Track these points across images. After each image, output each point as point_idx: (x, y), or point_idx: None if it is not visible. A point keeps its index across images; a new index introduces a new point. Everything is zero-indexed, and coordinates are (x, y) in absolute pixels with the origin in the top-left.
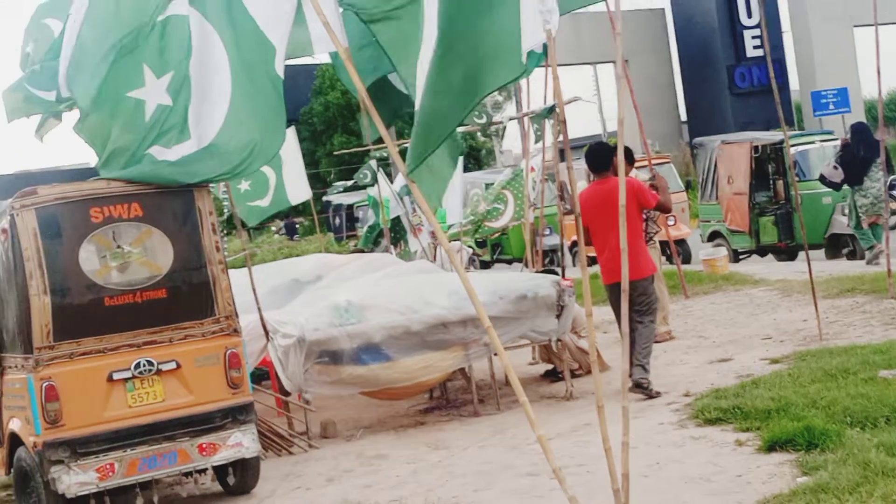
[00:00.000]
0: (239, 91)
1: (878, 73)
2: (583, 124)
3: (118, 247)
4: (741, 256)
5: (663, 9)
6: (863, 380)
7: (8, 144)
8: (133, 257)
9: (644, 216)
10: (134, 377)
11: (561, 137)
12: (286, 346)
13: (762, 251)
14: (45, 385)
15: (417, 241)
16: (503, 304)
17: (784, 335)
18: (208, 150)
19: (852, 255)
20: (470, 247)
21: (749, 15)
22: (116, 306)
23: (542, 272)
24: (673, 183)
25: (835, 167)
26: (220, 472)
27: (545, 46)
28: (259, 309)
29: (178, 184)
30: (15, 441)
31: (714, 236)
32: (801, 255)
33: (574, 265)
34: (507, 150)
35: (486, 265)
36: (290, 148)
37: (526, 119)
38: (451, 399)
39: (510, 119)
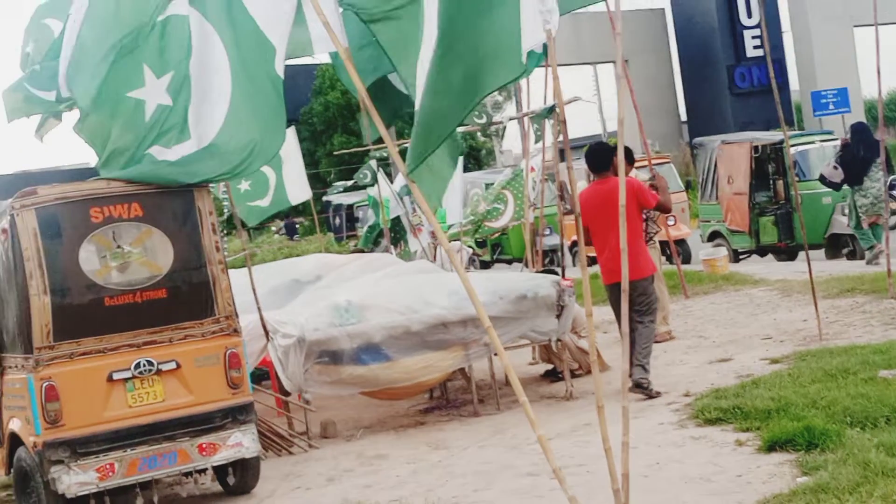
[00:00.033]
0: (239, 91)
1: (878, 73)
2: (583, 124)
3: (118, 247)
4: (741, 256)
5: (663, 9)
6: (863, 380)
7: (8, 144)
8: (133, 257)
9: (644, 216)
10: (134, 377)
11: (561, 137)
12: (286, 346)
13: (762, 251)
14: (45, 385)
15: (417, 241)
16: (503, 304)
17: (784, 335)
18: (208, 150)
19: (852, 255)
20: (470, 247)
21: (749, 15)
22: (116, 306)
23: (542, 272)
24: (673, 183)
25: (835, 167)
26: (220, 472)
27: (545, 46)
28: (259, 309)
29: (178, 184)
30: (15, 441)
31: (714, 236)
32: (801, 255)
33: (574, 265)
34: (507, 150)
35: (486, 265)
36: (290, 148)
37: (526, 119)
38: (451, 399)
39: (510, 119)
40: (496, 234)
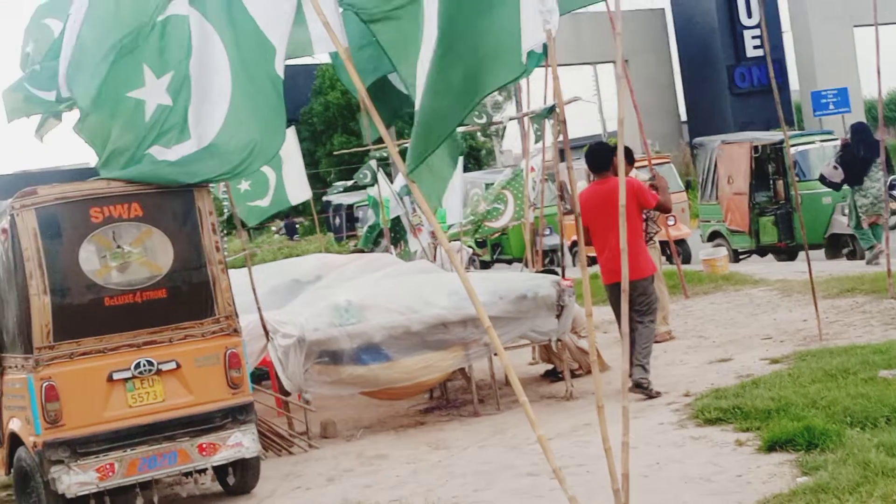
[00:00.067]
0: (239, 91)
1: (878, 73)
2: (583, 124)
3: (118, 247)
4: (741, 256)
5: (663, 9)
6: (863, 380)
7: (8, 144)
8: (133, 257)
9: (644, 216)
10: (134, 377)
11: (561, 137)
12: (286, 346)
13: (762, 251)
14: (45, 385)
15: (417, 241)
16: (503, 304)
17: (784, 335)
18: (208, 150)
19: (852, 255)
20: (470, 247)
21: (749, 15)
22: (116, 306)
23: (542, 272)
24: (673, 183)
25: (835, 167)
26: (220, 472)
27: (545, 46)
28: (259, 309)
29: (178, 184)
30: (15, 441)
31: (714, 236)
32: (801, 255)
33: (574, 265)
34: (507, 150)
35: (486, 265)
36: (290, 148)
37: (526, 119)
38: (451, 399)
39: (510, 119)
40: (496, 234)
